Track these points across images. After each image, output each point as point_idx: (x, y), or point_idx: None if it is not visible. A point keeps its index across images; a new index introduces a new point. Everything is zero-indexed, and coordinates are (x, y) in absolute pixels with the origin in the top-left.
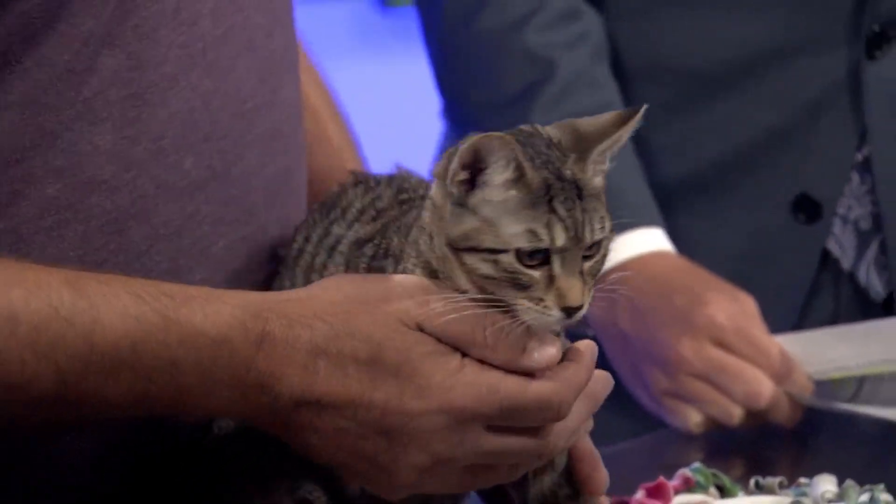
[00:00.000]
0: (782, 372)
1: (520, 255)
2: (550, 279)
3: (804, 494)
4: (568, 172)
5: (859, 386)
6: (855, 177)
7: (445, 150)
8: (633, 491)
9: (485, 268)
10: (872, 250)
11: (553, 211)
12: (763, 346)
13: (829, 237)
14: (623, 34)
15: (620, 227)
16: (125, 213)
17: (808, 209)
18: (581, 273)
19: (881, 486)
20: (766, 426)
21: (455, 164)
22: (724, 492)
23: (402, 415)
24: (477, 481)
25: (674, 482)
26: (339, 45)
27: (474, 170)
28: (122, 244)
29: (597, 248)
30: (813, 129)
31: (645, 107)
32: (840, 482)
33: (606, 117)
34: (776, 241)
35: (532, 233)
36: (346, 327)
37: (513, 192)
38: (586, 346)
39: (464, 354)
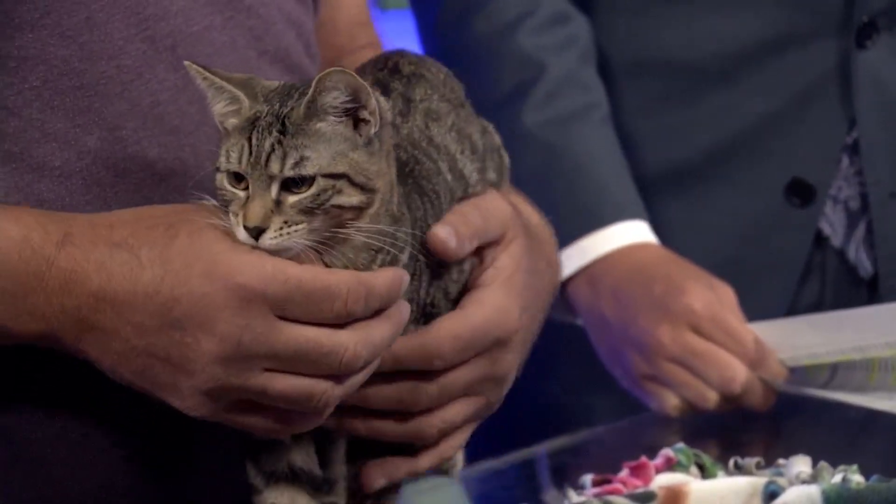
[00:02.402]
0: (756, 358)
1: (229, 175)
2: (247, 199)
3: (780, 475)
4: (283, 109)
5: (833, 373)
6: (844, 159)
7: None
8: (616, 470)
9: (215, 182)
10: (861, 229)
11: (247, 138)
12: (738, 334)
13: (821, 217)
14: (616, 30)
15: (605, 220)
16: (79, 198)
17: (802, 193)
18: (276, 202)
19: (854, 467)
20: (742, 410)
21: None
22: (704, 471)
23: (189, 297)
24: (278, 385)
25: (656, 461)
26: None
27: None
28: None
29: (306, 185)
30: (804, 116)
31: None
32: (814, 463)
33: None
34: (771, 225)
35: (226, 154)
36: (147, 222)
37: (232, 121)
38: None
39: None
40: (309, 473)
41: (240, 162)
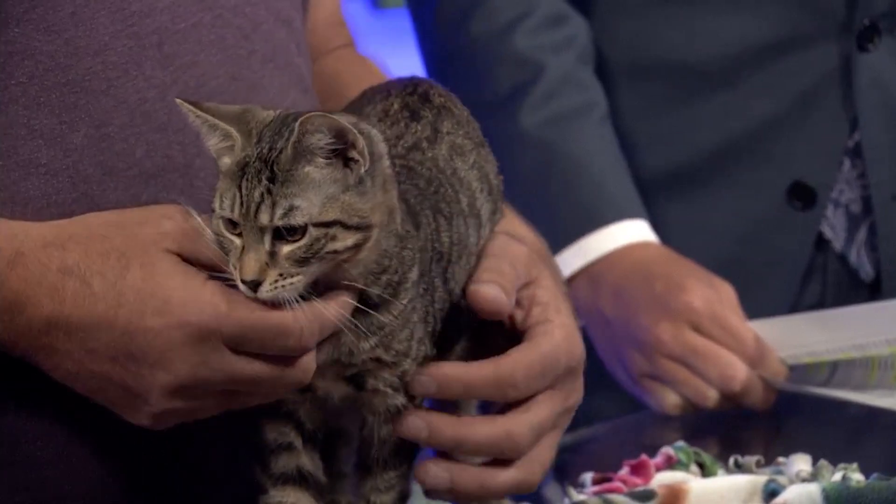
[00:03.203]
0: (756, 356)
1: (224, 221)
2: (242, 249)
3: (780, 473)
4: (274, 154)
5: (833, 371)
6: (846, 162)
7: None
8: (616, 468)
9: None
10: (862, 232)
11: (238, 185)
12: (738, 332)
13: (822, 220)
14: (616, 32)
15: (606, 219)
16: (66, 196)
17: (803, 196)
18: (269, 253)
19: (854, 466)
20: (742, 408)
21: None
22: (704, 469)
23: (144, 333)
24: (233, 404)
25: (657, 459)
26: None
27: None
28: None
29: (299, 235)
30: (805, 118)
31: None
32: (814, 462)
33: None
34: (772, 228)
35: (220, 199)
36: (101, 247)
37: (226, 159)
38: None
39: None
40: (315, 477)
41: (232, 210)
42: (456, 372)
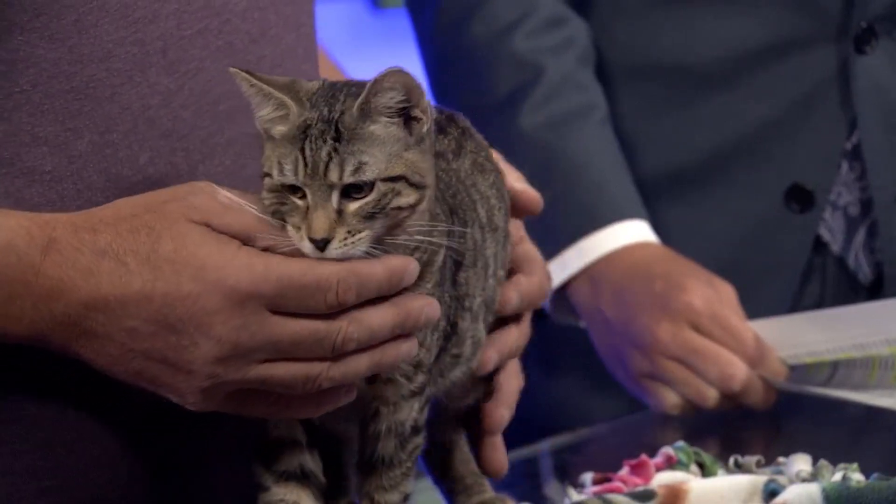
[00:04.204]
0: (756, 356)
1: (284, 187)
2: (307, 209)
3: (780, 473)
4: (333, 115)
5: (833, 371)
6: (844, 164)
7: None
8: (616, 468)
9: (265, 186)
10: (861, 235)
11: (301, 148)
12: (737, 331)
13: (820, 223)
14: (616, 34)
15: (606, 219)
16: (70, 203)
17: (801, 198)
18: (337, 211)
19: (854, 466)
20: (742, 408)
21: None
22: (704, 469)
23: (182, 301)
24: (276, 373)
25: (657, 459)
26: (330, 45)
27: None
28: None
29: (366, 191)
30: (804, 121)
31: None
32: (814, 462)
33: None
34: (770, 230)
35: (279, 165)
36: (130, 225)
37: (280, 128)
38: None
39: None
40: (316, 477)
41: (295, 173)
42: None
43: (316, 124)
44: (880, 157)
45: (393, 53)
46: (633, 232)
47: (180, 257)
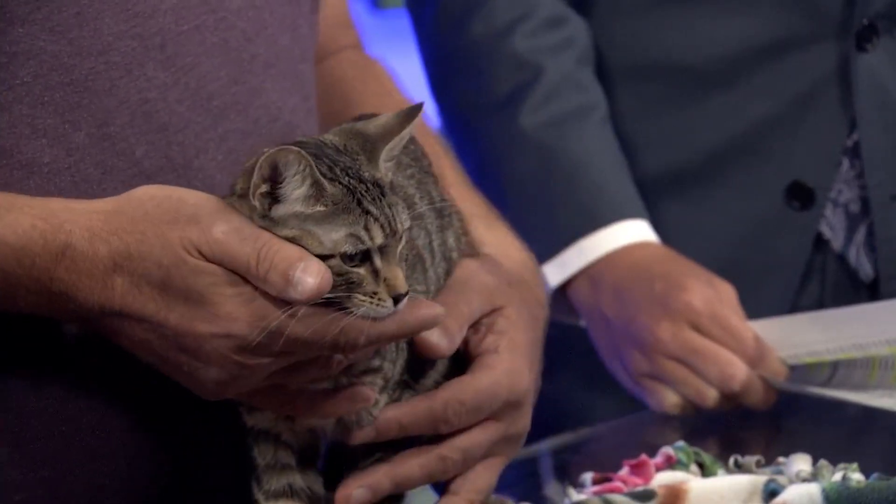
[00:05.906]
0: (756, 356)
1: (343, 257)
2: (375, 273)
3: (780, 473)
4: (367, 174)
5: (833, 371)
6: (845, 162)
7: (242, 170)
8: (616, 468)
9: (333, 270)
10: (861, 233)
11: (367, 213)
12: (737, 331)
13: (822, 220)
14: (615, 33)
15: (606, 219)
16: (67, 195)
17: (802, 196)
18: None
19: (854, 466)
20: (742, 408)
21: (256, 177)
22: (704, 469)
23: (194, 336)
24: (287, 380)
25: (657, 459)
26: None
27: (273, 183)
28: None
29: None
30: (804, 118)
31: (423, 103)
32: (814, 462)
33: (388, 118)
34: (771, 228)
35: (354, 237)
36: (139, 249)
37: (319, 208)
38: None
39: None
40: (312, 491)
41: (373, 238)
42: (391, 414)
43: (360, 188)
44: (879, 156)
45: (393, 54)
46: (634, 232)
47: (192, 299)
